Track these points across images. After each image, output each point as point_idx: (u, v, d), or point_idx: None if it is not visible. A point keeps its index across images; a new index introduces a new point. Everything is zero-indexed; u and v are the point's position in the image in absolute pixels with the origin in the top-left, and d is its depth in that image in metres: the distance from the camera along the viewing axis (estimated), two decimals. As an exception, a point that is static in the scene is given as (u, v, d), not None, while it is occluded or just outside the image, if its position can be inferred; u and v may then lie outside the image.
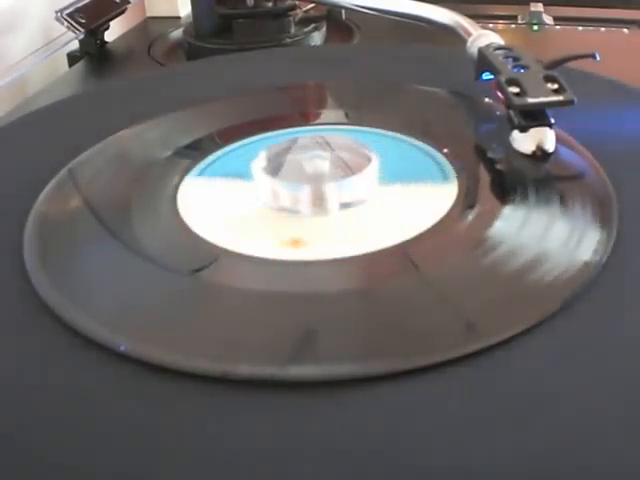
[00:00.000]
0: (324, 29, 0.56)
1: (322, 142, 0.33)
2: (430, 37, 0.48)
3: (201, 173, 0.33)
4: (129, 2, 0.59)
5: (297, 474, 0.20)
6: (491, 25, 0.57)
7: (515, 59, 0.35)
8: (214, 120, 0.37)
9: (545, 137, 0.32)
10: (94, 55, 0.56)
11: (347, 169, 0.31)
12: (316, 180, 0.30)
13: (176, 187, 0.32)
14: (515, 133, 0.32)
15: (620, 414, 0.21)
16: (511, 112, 0.32)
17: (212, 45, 0.54)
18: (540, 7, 0.58)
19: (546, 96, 0.31)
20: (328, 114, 0.39)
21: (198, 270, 0.27)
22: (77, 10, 0.55)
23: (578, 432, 0.21)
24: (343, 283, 0.27)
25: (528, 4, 0.59)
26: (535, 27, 0.57)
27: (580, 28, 0.57)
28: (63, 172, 0.34)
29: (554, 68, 0.34)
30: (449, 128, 0.35)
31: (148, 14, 0.65)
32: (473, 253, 0.27)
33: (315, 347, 0.24)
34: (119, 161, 0.35)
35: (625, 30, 0.56)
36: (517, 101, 0.32)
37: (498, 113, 0.35)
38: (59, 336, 0.25)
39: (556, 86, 0.32)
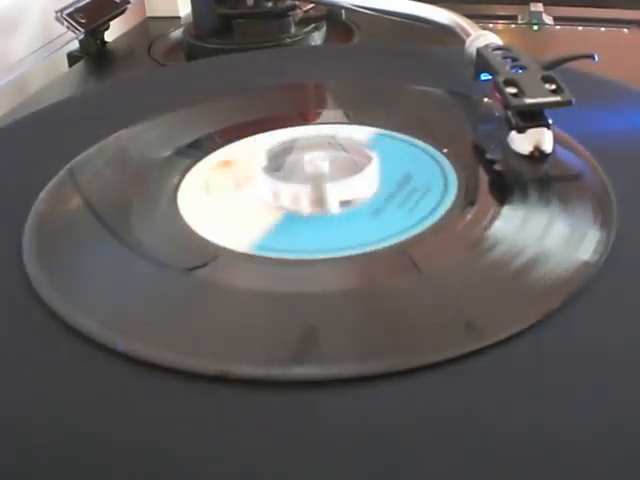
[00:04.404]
0: (324, 29, 0.56)
1: (322, 142, 0.33)
2: (430, 37, 0.48)
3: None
4: (129, 2, 0.59)
5: (297, 474, 0.20)
6: (491, 25, 0.57)
7: (513, 59, 0.35)
8: (214, 120, 0.37)
9: (543, 138, 0.32)
10: (94, 55, 0.56)
11: (347, 169, 0.31)
12: (316, 179, 0.30)
13: (176, 187, 0.32)
14: (513, 134, 0.32)
15: (620, 413, 0.21)
16: (509, 113, 0.32)
17: (212, 45, 0.54)
18: (540, 7, 0.58)
19: (544, 97, 0.31)
20: (328, 114, 0.39)
21: (198, 269, 0.27)
22: (77, 10, 0.55)
23: (578, 432, 0.21)
24: (343, 283, 0.27)
25: (528, 4, 0.59)
26: (535, 27, 0.57)
27: (580, 28, 0.57)
28: (63, 172, 0.34)
29: (552, 68, 0.34)
30: (449, 128, 0.35)
31: (148, 14, 0.65)
32: (473, 253, 0.27)
33: (315, 347, 0.24)
34: (119, 161, 0.35)
35: (625, 30, 0.56)
36: (515, 102, 0.31)
37: (497, 113, 0.35)
38: (59, 336, 0.25)
39: (554, 87, 0.32)
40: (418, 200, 0.30)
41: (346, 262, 0.27)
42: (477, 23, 0.43)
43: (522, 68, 0.34)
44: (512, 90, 0.32)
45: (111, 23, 0.57)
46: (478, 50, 0.37)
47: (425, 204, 0.30)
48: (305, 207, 0.30)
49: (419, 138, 0.34)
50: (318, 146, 0.33)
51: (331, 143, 0.33)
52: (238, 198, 0.31)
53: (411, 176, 0.31)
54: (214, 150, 0.35)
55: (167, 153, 0.35)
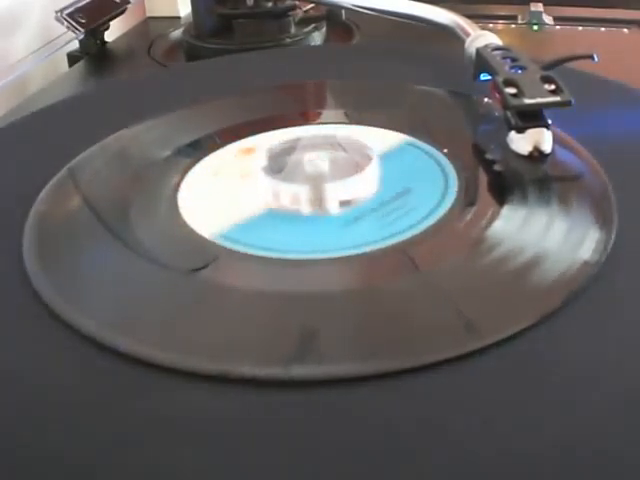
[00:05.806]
0: (324, 29, 0.56)
1: (322, 142, 0.33)
2: (430, 37, 0.48)
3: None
4: (129, 2, 0.59)
5: (297, 474, 0.20)
6: (491, 25, 0.57)
7: (513, 60, 0.35)
8: (214, 120, 0.37)
9: (542, 138, 0.32)
10: (94, 55, 0.56)
11: (347, 169, 0.31)
12: (316, 179, 0.30)
13: (176, 187, 0.32)
14: (512, 134, 0.32)
15: (620, 413, 0.21)
16: (508, 113, 0.32)
17: (212, 45, 0.54)
18: (540, 7, 0.58)
19: (543, 97, 0.31)
20: (328, 114, 0.39)
21: (198, 270, 0.27)
22: (77, 10, 0.55)
23: (578, 432, 0.21)
24: (343, 283, 0.27)
25: (528, 4, 0.59)
26: (535, 27, 0.57)
27: (580, 28, 0.57)
28: (63, 172, 0.34)
29: (552, 69, 0.34)
30: (449, 128, 0.35)
31: (148, 14, 0.65)
32: (473, 253, 0.27)
33: (315, 347, 0.24)
34: (119, 161, 0.35)
35: (625, 30, 0.56)
36: (514, 102, 0.32)
37: (497, 113, 0.35)
38: (59, 336, 0.25)
39: (553, 87, 0.32)
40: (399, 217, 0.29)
41: (346, 262, 0.27)
42: (477, 23, 0.43)
43: (521, 68, 0.34)
44: (511, 90, 0.32)
45: (111, 23, 0.57)
46: (478, 50, 0.37)
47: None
48: (305, 207, 0.30)
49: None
50: (318, 146, 0.33)
51: (331, 143, 0.33)
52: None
53: (409, 190, 0.31)
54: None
55: (167, 153, 0.35)
